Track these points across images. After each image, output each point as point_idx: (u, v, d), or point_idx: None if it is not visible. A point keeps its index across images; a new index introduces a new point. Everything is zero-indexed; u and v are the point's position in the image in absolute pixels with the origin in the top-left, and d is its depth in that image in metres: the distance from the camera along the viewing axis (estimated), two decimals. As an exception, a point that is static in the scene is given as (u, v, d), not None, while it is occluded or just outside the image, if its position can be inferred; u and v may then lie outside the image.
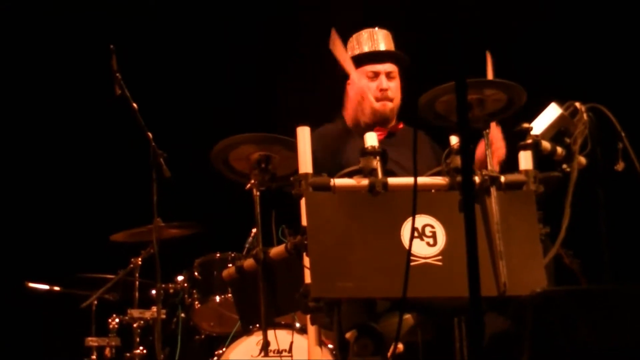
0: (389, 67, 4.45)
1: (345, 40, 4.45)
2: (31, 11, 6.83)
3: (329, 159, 4.21)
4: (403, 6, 5.81)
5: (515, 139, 3.66)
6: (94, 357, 5.64)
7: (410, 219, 3.39)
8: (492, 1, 5.67)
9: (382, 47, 4.46)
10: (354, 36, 4.51)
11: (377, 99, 4.41)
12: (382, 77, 4.43)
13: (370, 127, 4.35)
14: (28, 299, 6.20)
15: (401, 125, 4.51)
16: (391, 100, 4.45)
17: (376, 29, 4.50)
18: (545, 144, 3.71)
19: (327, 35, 4.56)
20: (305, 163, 3.55)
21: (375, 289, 3.43)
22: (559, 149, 3.75)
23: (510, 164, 3.68)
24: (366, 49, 4.46)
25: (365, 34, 4.49)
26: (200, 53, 6.87)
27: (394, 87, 4.46)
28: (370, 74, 4.44)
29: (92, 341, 5.66)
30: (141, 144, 4.86)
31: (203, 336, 5.72)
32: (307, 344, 3.77)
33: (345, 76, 4.47)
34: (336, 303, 3.51)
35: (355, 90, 4.43)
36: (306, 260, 3.48)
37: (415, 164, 3.37)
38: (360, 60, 4.45)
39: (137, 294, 5.71)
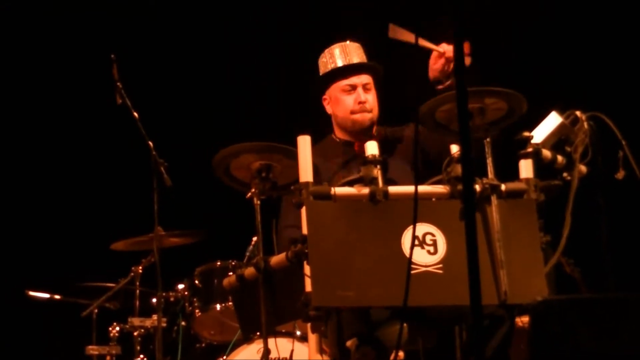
0: (365, 78, 4.50)
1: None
2: (32, 21, 6.84)
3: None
4: (403, 13, 5.82)
5: (516, 147, 3.67)
6: (94, 365, 5.64)
7: (410, 228, 3.40)
8: (494, 10, 5.68)
9: (354, 58, 4.49)
10: (326, 51, 4.55)
11: (355, 112, 4.46)
12: (360, 90, 4.48)
13: (352, 144, 4.41)
14: (29, 307, 6.20)
15: (381, 132, 4.55)
16: (370, 111, 4.49)
17: (347, 42, 4.53)
18: (546, 153, 3.71)
19: (328, 42, 4.58)
20: (306, 172, 3.56)
21: (376, 297, 3.43)
22: (560, 158, 3.75)
23: (510, 172, 3.68)
24: (340, 63, 4.49)
25: (336, 48, 4.53)
26: (201, 62, 6.87)
27: (371, 99, 4.51)
28: (346, 88, 4.49)
29: (92, 350, 5.65)
30: (142, 153, 4.87)
31: (204, 344, 5.71)
32: (307, 352, 3.77)
33: (320, 92, 4.53)
34: (335, 311, 3.51)
35: (336, 107, 4.49)
36: (307, 269, 3.48)
37: (418, 170, 3.38)
38: (335, 75, 4.49)
39: (137, 303, 5.71)
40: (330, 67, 4.52)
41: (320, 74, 4.56)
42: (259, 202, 3.98)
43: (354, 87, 4.48)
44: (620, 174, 3.73)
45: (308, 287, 3.47)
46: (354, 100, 4.48)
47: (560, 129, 3.79)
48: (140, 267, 5.68)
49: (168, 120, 6.46)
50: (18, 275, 6.52)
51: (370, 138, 4.44)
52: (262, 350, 4.05)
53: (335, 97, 4.52)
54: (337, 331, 3.55)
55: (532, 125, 3.80)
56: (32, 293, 5.94)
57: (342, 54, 4.50)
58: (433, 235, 3.46)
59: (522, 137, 3.68)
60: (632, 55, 6.15)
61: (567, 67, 6.17)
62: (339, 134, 4.59)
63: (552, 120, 3.80)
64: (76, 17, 6.72)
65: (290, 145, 3.75)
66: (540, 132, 3.78)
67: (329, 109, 4.59)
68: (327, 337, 3.67)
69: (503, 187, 3.54)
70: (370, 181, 3.53)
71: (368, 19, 5.87)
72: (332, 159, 4.50)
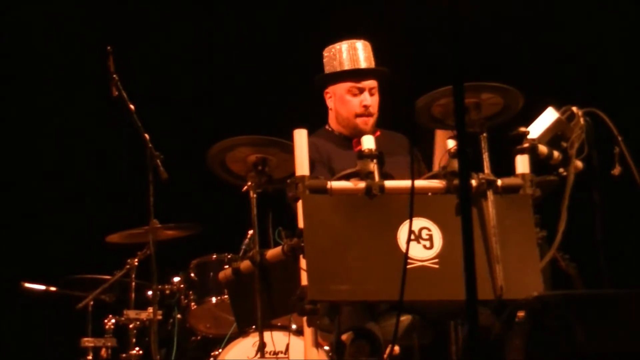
0: (372, 82, 4.47)
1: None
2: (29, 13, 6.82)
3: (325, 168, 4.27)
4: (399, 10, 5.82)
5: (512, 143, 3.67)
6: (89, 357, 5.61)
7: (406, 222, 3.40)
8: (490, 5, 5.67)
9: (363, 60, 4.45)
10: (333, 47, 4.49)
11: (359, 115, 4.44)
12: (366, 94, 4.45)
13: (350, 140, 4.40)
14: (24, 299, 6.19)
15: (378, 133, 4.52)
16: (372, 115, 4.47)
17: (356, 41, 4.49)
18: (542, 148, 3.71)
19: (325, 38, 4.57)
20: (302, 165, 3.56)
21: (372, 292, 3.43)
22: (556, 153, 3.75)
23: (506, 168, 3.68)
24: (347, 62, 4.44)
25: (345, 46, 4.46)
26: (197, 55, 6.86)
27: (375, 103, 4.47)
28: (354, 90, 4.46)
29: (88, 342, 5.64)
30: (138, 146, 4.86)
31: (199, 337, 5.70)
32: (303, 346, 3.77)
33: (322, 87, 4.52)
34: (337, 307, 3.51)
35: (340, 105, 4.47)
36: (303, 263, 3.49)
37: (413, 167, 3.38)
38: (344, 75, 4.46)
39: (133, 295, 5.69)
40: (337, 64, 4.46)
41: (327, 72, 4.49)
42: (254, 195, 3.99)
43: (361, 91, 4.46)
44: (616, 170, 3.73)
45: (304, 280, 3.48)
46: (359, 103, 4.45)
47: (556, 125, 3.79)
48: (136, 260, 5.66)
49: (164, 113, 6.45)
50: (14, 267, 6.52)
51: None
52: (257, 343, 4.05)
53: (341, 96, 4.48)
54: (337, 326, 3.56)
55: (529, 121, 3.80)
56: (27, 285, 5.92)
57: (350, 53, 4.46)
58: (429, 230, 3.47)
59: (518, 133, 3.68)
60: (628, 51, 6.15)
61: (564, 63, 6.17)
62: (336, 128, 4.56)
63: (549, 116, 3.80)
64: (73, 8, 6.71)
65: (286, 139, 3.75)
66: (537, 128, 3.78)
67: (330, 103, 4.55)
68: (328, 332, 3.68)
69: (499, 182, 3.54)
70: (367, 175, 3.52)
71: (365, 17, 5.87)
72: (340, 150, 4.45)
